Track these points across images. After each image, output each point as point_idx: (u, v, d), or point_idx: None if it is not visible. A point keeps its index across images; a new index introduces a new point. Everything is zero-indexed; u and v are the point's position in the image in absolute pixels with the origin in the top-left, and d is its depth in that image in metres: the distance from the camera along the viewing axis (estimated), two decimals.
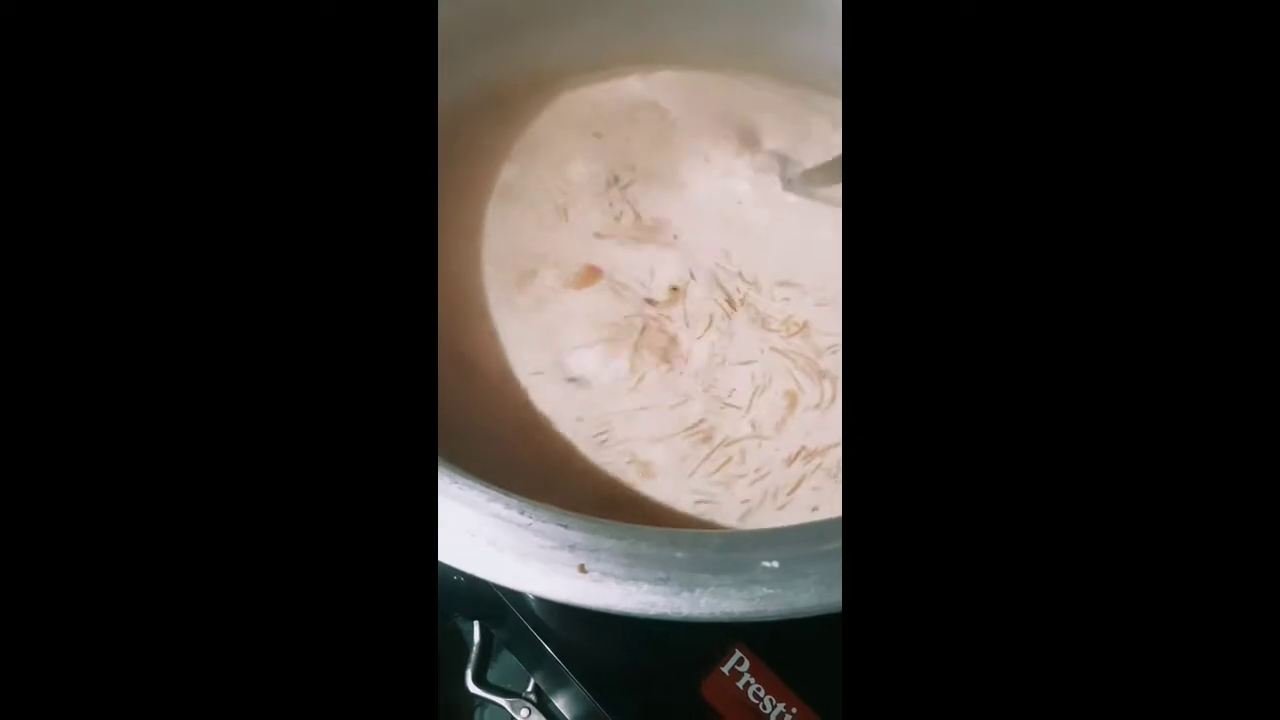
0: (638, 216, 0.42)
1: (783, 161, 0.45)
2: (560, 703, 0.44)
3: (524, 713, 0.44)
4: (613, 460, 0.37)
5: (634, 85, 0.47)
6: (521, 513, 0.26)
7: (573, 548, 0.25)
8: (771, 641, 0.40)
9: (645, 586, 0.25)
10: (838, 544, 0.25)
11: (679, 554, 0.25)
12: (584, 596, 0.25)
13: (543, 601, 0.41)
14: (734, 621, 0.25)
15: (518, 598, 0.42)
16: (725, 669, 0.39)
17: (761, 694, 0.39)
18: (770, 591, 0.24)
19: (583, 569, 0.25)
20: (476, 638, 0.45)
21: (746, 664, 0.39)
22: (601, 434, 0.37)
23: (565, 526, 0.25)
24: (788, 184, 0.44)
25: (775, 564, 0.25)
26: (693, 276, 0.41)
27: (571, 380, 0.39)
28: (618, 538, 0.25)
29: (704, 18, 0.47)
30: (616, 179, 0.44)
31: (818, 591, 0.24)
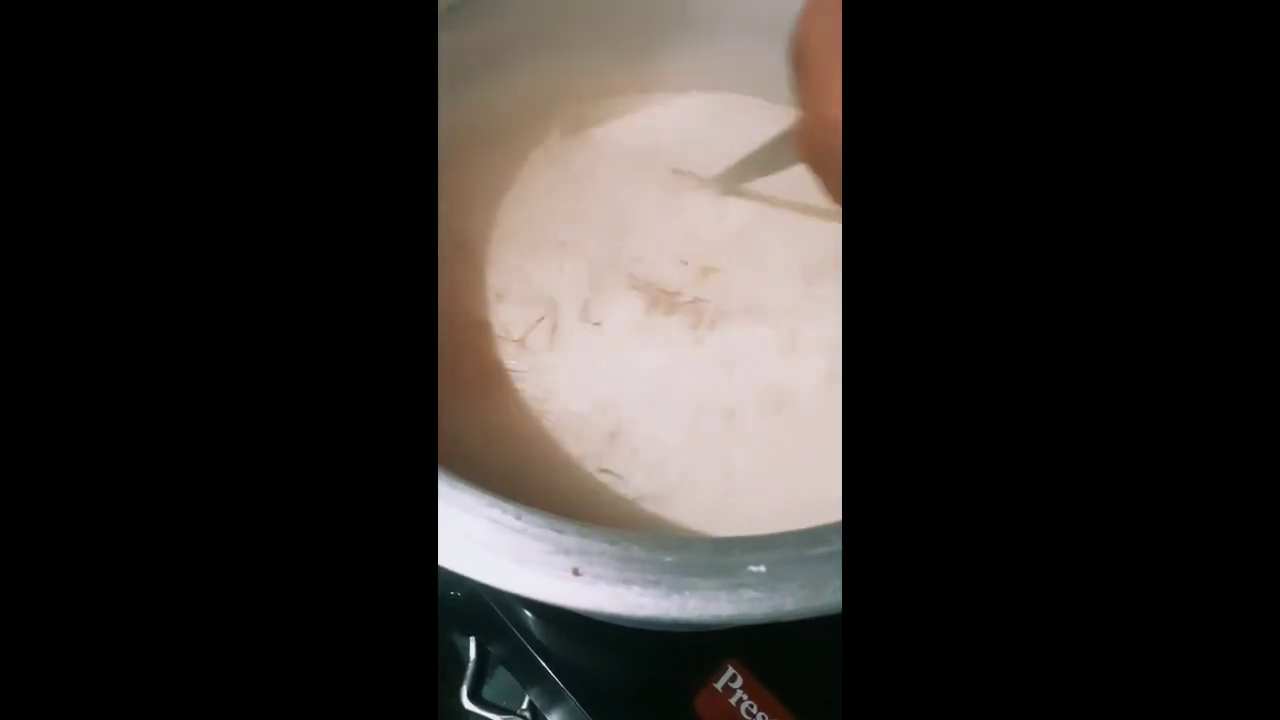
0: None
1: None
2: (555, 719, 0.44)
3: None
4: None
5: None
6: (517, 517, 0.26)
7: (567, 552, 0.26)
8: (764, 657, 0.40)
9: (636, 589, 0.25)
10: (822, 549, 0.25)
11: (669, 558, 0.26)
12: (578, 599, 0.25)
13: (538, 618, 0.42)
14: (721, 624, 0.25)
15: (514, 614, 0.42)
16: (718, 685, 0.40)
17: (755, 710, 0.39)
18: (757, 595, 0.25)
19: (576, 572, 0.25)
20: (472, 654, 0.46)
21: (740, 680, 0.40)
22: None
23: (559, 531, 0.26)
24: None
25: (762, 568, 0.25)
26: None
27: None
28: (610, 542, 0.26)
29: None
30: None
31: (803, 595, 0.25)
